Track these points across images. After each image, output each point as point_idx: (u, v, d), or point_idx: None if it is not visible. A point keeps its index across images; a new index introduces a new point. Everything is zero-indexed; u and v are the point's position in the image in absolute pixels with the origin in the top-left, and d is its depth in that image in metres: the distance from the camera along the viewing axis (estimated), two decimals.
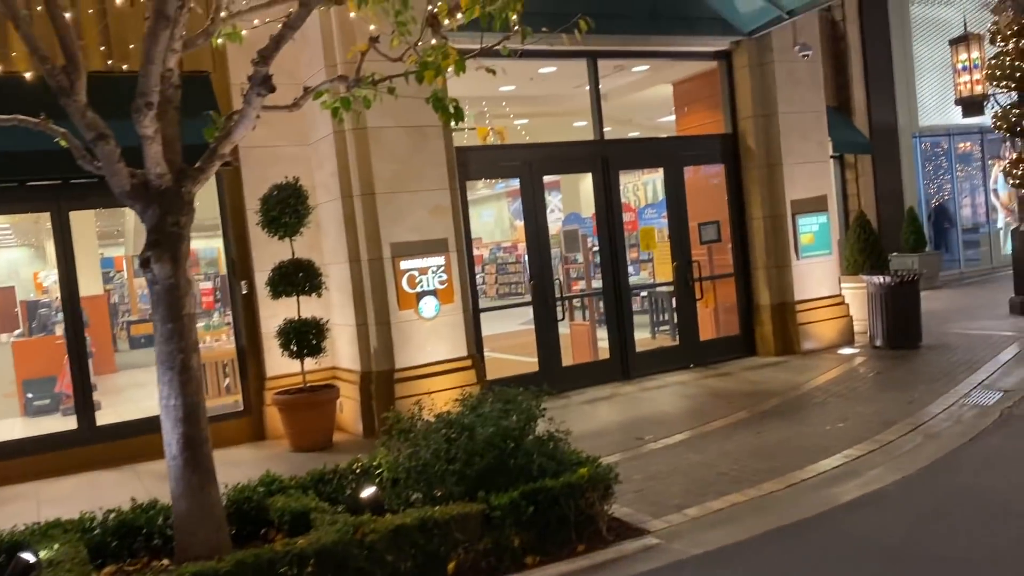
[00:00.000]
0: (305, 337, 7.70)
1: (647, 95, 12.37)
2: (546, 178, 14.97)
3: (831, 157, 15.38)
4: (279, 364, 8.27)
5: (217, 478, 4.43)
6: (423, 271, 7.97)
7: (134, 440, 7.76)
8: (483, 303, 15.88)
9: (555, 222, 16.50)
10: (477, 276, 21.59)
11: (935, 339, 10.17)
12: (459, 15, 4.69)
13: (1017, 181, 11.57)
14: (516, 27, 4.61)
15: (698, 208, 10.55)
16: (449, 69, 4.63)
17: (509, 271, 22.93)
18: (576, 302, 11.44)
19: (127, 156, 4.23)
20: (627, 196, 17.00)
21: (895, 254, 15.14)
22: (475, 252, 23.26)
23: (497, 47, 4.61)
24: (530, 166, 9.20)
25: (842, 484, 5.40)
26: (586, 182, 10.82)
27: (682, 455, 6.43)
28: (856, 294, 10.68)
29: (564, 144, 10.42)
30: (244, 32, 5.03)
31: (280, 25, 4.30)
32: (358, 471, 5.23)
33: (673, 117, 11.86)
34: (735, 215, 10.44)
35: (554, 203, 18.02)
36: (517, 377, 9.04)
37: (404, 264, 7.90)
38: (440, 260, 8.07)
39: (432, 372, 7.97)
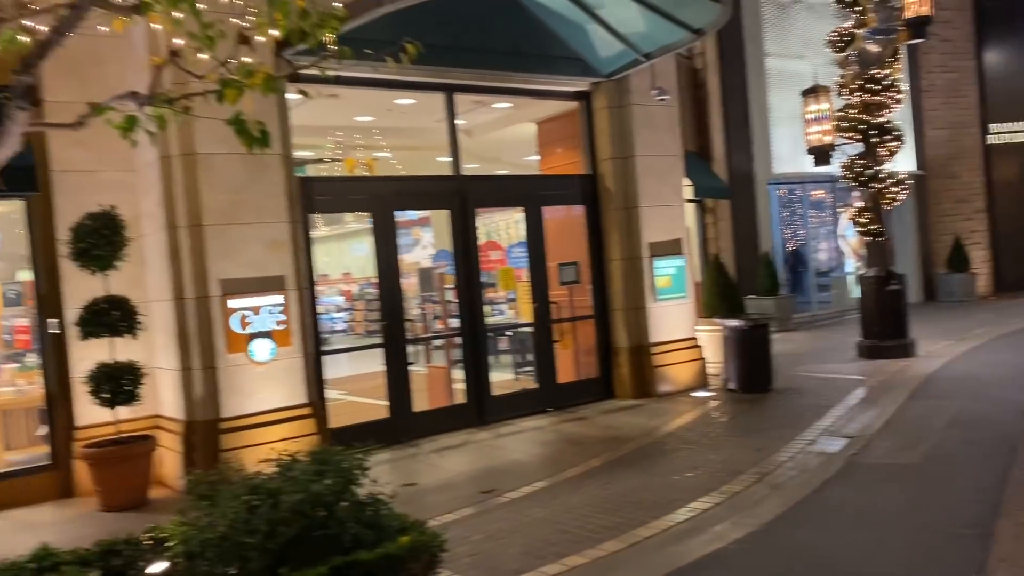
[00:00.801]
0: (118, 383, 6.91)
1: (513, 133, 12.21)
2: (416, 213, 14.54)
3: (692, 201, 15.76)
4: (92, 412, 7.40)
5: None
6: (256, 310, 7.34)
7: None
8: (348, 342, 15.27)
9: (426, 259, 16.11)
10: (344, 313, 20.86)
11: (787, 382, 10.30)
12: (274, 31, 4.23)
13: (863, 228, 12.01)
14: (333, 47, 4.19)
15: (559, 248, 10.38)
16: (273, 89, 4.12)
17: (376, 308, 22.22)
18: (436, 343, 11.00)
19: None
20: (498, 234, 16.80)
21: (752, 297, 15.52)
22: (344, 288, 22.51)
23: (311, 69, 4.16)
24: (382, 200, 8.74)
25: (686, 542, 5.15)
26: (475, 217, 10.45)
27: (527, 510, 6.05)
28: (713, 337, 10.73)
29: (419, 179, 10.06)
30: (26, 39, 4.38)
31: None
32: (152, 542, 4.57)
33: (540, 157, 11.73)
34: (594, 256, 10.31)
35: (426, 239, 17.61)
36: (365, 425, 8.55)
37: (234, 303, 7.25)
38: (277, 299, 7.46)
39: (265, 421, 7.32)
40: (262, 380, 7.40)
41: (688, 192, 15.17)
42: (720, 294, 11.07)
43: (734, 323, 10.11)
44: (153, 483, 7.37)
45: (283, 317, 7.46)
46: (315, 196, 8.22)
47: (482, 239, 10.47)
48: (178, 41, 4.30)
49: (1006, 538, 4.60)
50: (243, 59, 4.20)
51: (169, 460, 7.44)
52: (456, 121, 9.50)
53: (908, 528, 5.02)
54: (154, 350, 7.66)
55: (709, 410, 9.25)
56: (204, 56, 4.16)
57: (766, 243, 16.86)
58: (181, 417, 7.35)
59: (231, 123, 4.01)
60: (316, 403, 7.83)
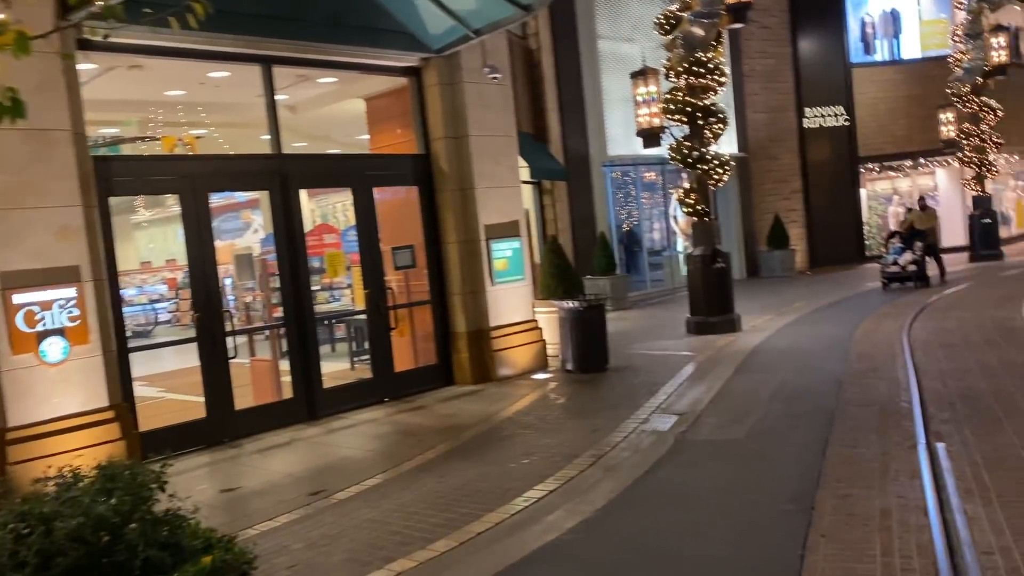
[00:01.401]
0: None
1: (343, 110, 11.63)
2: (245, 195, 13.60)
3: (530, 183, 15.75)
4: None
5: None
6: (46, 306, 6.53)
7: None
8: (173, 334, 14.21)
9: (257, 243, 15.19)
10: (170, 303, 19.46)
11: (622, 360, 10.42)
12: None
13: (690, 209, 12.34)
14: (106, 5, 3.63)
15: (394, 231, 9.99)
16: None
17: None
18: (262, 335, 10.32)
19: None
20: (335, 216, 16.13)
21: (590, 277, 15.73)
22: (168, 276, 21.01)
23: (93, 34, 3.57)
24: (192, 182, 8.01)
25: (519, 535, 4.96)
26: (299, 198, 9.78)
27: (355, 512, 5.69)
28: (551, 318, 10.69)
29: (234, 158, 9.34)
30: None
31: None
32: None
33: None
34: (430, 239, 9.99)
35: (257, 222, 16.64)
36: (180, 426, 7.87)
37: (19, 297, 6.41)
38: (69, 292, 6.66)
39: (59, 429, 6.53)
40: (56, 383, 6.59)
41: (525, 173, 15.16)
42: (557, 275, 11.04)
43: (570, 304, 10.11)
44: None
45: (77, 312, 6.67)
46: (114, 177, 7.39)
47: (317, 222, 9.95)
48: None
49: (826, 511, 4.70)
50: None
51: None
52: (277, 96, 8.87)
53: (735, 506, 5.06)
54: None
55: (547, 392, 9.19)
56: None
57: (602, 224, 17.14)
58: None
59: None
60: (121, 406, 7.08)
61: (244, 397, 8.57)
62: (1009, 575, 3.73)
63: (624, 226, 18.82)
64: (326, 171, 9.87)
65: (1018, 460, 5.25)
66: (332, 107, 11.61)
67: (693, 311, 12.33)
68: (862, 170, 23.16)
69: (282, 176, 8.68)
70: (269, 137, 8.76)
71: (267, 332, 9.76)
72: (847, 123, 22.40)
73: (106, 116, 10.56)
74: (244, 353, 9.63)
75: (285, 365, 8.99)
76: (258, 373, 9.41)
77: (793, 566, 4.04)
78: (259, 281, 9.62)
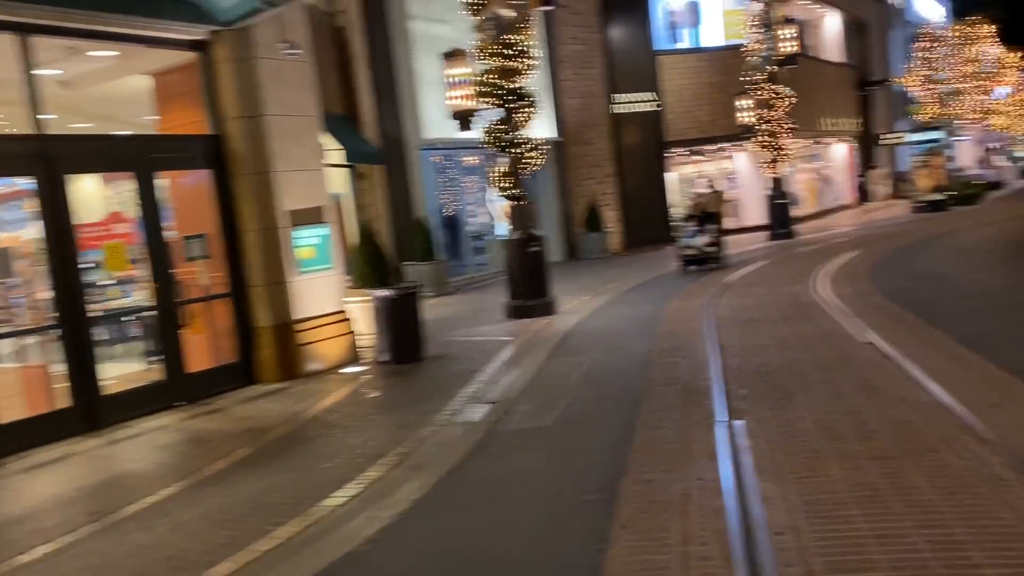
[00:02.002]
0: None
1: (129, 88, 10.51)
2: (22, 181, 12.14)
3: (344, 166, 15.14)
4: None
5: None
6: None
7: None
8: None
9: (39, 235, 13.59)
10: None
11: (440, 348, 10.16)
12: None
13: (505, 193, 12.24)
14: None
15: (190, 220, 9.17)
16: None
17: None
18: (32, 338, 9.17)
19: None
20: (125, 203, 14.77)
21: (410, 263, 15.37)
22: None
23: None
24: None
25: (312, 549, 4.55)
26: (82, 183, 8.68)
27: (128, 536, 5.06)
28: (366, 308, 10.24)
29: None
30: None
31: None
32: None
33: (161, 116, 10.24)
34: (226, 228, 9.25)
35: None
36: None
37: None
38: None
39: None
40: None
41: (339, 156, 14.53)
42: (370, 263, 10.59)
43: (383, 292, 9.71)
44: None
45: None
46: None
47: (111, 209, 9.02)
48: None
49: (628, 500, 4.61)
50: None
51: None
52: (40, 71, 7.85)
53: (540, 500, 4.90)
54: None
55: (358, 387, 8.76)
56: None
57: (422, 209, 16.77)
58: None
59: None
60: None
61: (7, 410, 7.55)
62: (800, 554, 3.75)
63: (446, 211, 18.57)
64: (101, 154, 8.87)
65: (808, 435, 5.41)
66: (115, 84, 10.48)
67: (511, 295, 12.27)
68: (671, 154, 24.16)
69: (46, 160, 7.69)
70: (30, 116, 7.73)
71: (39, 335, 8.66)
72: (657, 109, 23.24)
73: None
74: (14, 359, 8.52)
75: (58, 371, 8.01)
76: (26, 381, 8.32)
77: (593, 562, 3.89)
78: (24, 277, 8.51)
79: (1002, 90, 35.61)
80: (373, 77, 16.02)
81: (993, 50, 33.62)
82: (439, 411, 7.25)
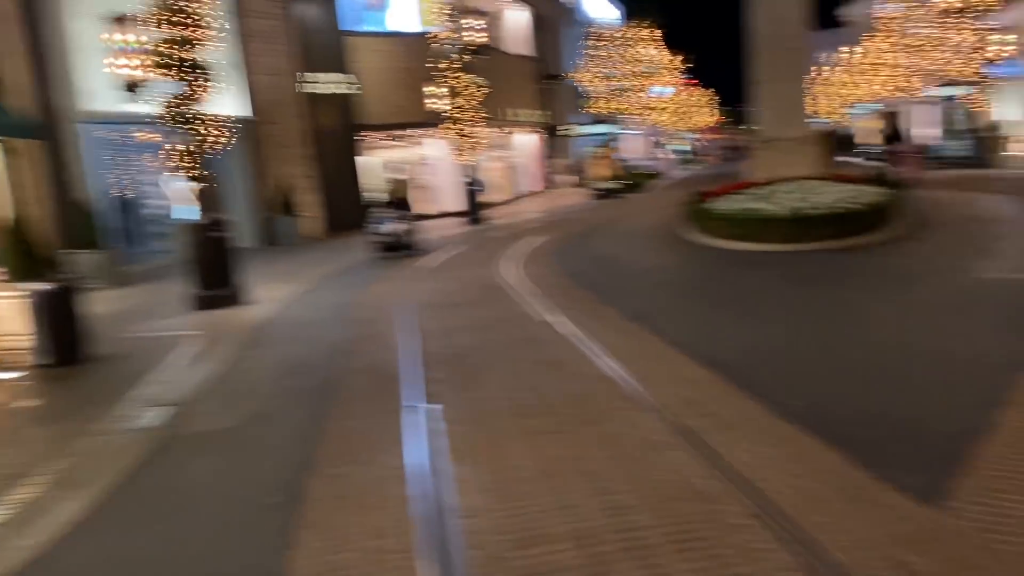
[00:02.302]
0: None
1: None
2: None
3: None
4: None
5: None
6: None
7: None
8: None
9: None
10: None
11: (114, 347, 9.09)
12: None
13: (185, 173, 11.28)
14: None
15: None
16: None
17: None
18: None
19: None
20: None
21: (77, 252, 13.66)
22: None
23: None
24: None
25: None
26: None
27: None
28: (22, 305, 8.86)
29: None
30: None
31: None
32: None
33: None
34: None
35: None
36: None
37: None
38: None
39: None
40: None
41: None
42: (21, 254, 9.19)
43: (37, 287, 8.48)
44: None
45: None
46: None
47: None
48: None
49: (316, 499, 4.41)
50: None
51: None
52: None
53: (220, 509, 4.52)
54: None
55: (9, 396, 7.57)
56: None
57: (84, 190, 14.98)
58: None
59: None
60: None
61: None
62: (489, 535, 3.80)
63: (119, 192, 16.76)
64: None
65: (497, 416, 5.56)
66: None
67: (196, 285, 11.36)
68: (368, 138, 23.97)
69: None
70: None
71: None
72: (352, 91, 22.89)
73: None
74: None
75: None
76: None
77: (274, 568, 3.64)
78: None
79: (660, 88, 39.83)
80: (25, 38, 13.97)
81: (654, 52, 37.47)
82: (107, 418, 6.47)
